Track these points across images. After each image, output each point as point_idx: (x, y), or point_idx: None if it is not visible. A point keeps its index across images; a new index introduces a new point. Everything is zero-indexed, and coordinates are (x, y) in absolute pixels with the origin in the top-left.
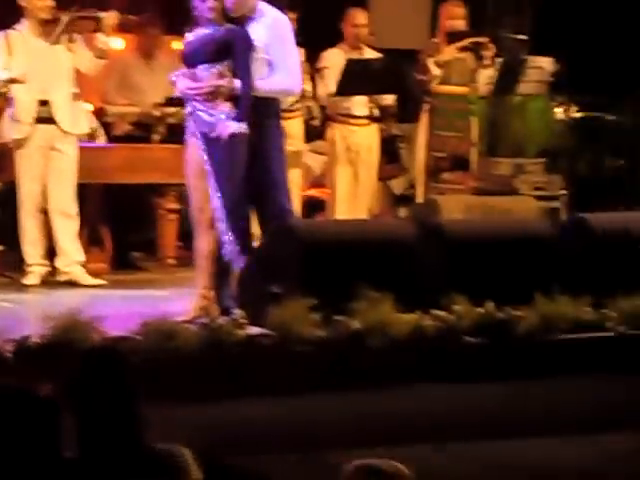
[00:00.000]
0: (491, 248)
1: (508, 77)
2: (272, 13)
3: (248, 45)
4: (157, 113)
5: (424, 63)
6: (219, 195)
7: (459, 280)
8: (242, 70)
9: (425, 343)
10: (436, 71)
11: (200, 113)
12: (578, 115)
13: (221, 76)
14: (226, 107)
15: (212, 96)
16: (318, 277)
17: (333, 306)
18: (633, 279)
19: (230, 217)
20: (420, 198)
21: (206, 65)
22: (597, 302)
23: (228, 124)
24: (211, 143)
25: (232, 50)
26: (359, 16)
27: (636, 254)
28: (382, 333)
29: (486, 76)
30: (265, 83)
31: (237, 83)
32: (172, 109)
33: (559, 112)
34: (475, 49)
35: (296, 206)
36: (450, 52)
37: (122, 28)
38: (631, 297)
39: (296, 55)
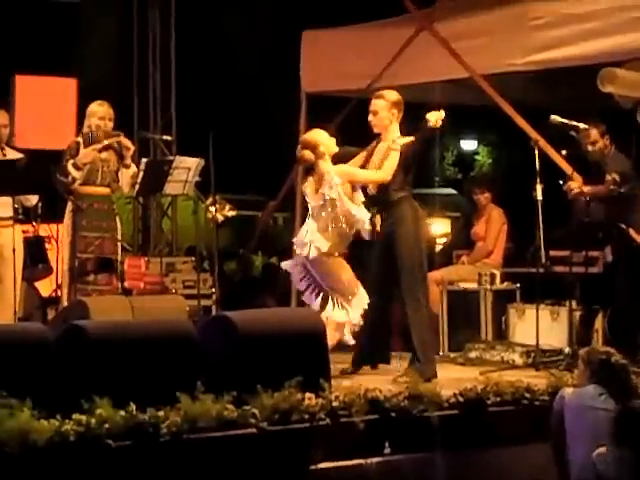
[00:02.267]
0: (135, 349)
1: (153, 177)
2: None
3: None
4: None
5: (66, 164)
6: None
7: (103, 383)
8: None
9: (66, 449)
10: (76, 173)
11: None
12: (231, 214)
13: None
14: None
15: None
16: None
17: None
18: (273, 375)
19: None
20: (66, 300)
21: None
22: (239, 399)
23: None
24: None
25: None
26: (0, 117)
27: (276, 351)
28: (20, 441)
29: (129, 176)
30: None
31: None
32: None
33: (211, 211)
34: (117, 149)
35: None
36: (92, 153)
37: None
38: (271, 393)
39: None
